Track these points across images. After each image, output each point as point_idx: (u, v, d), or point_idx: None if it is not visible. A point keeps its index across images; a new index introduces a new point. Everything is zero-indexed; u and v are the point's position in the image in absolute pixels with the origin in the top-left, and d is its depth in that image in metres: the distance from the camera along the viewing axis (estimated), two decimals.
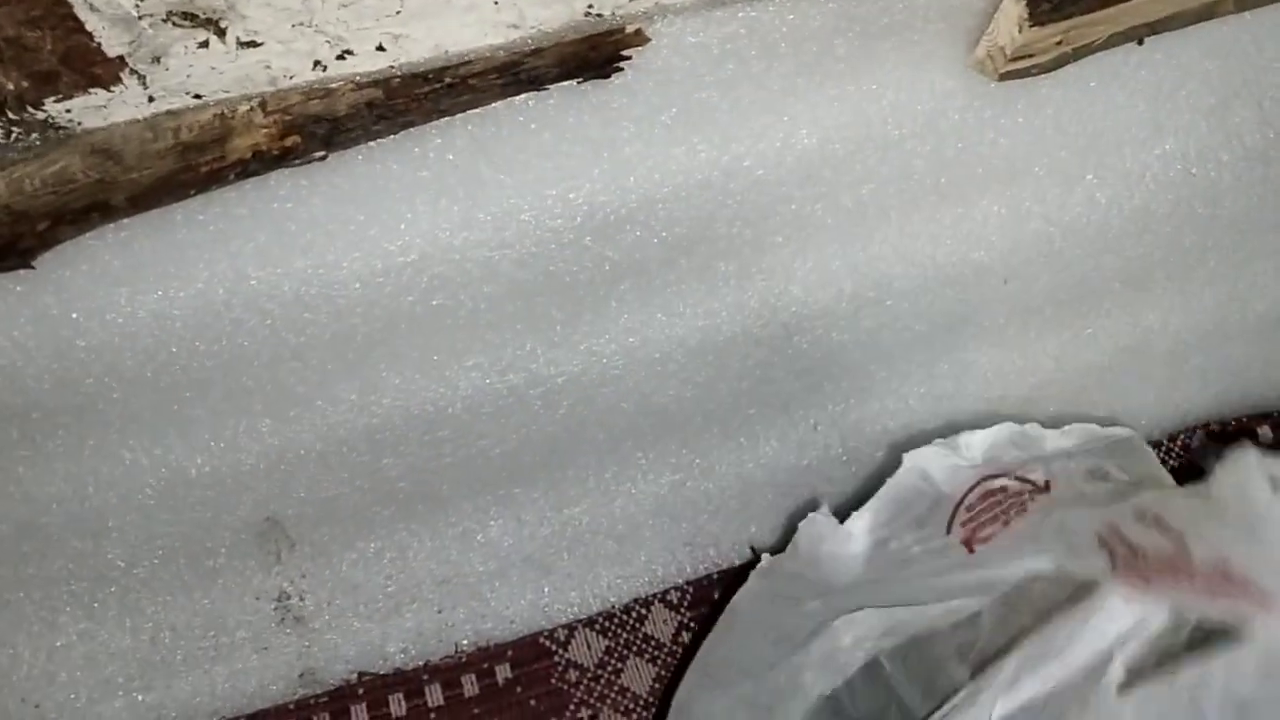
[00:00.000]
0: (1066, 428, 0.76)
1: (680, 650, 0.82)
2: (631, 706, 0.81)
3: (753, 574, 0.75)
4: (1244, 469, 0.59)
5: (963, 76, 0.73)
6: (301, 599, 0.79)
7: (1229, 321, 0.91)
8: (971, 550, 0.66)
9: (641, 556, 0.85)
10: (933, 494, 0.73)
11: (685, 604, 0.84)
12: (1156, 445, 0.91)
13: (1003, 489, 0.70)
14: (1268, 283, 0.91)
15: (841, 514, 0.80)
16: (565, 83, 0.64)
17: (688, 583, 0.85)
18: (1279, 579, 0.54)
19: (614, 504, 0.83)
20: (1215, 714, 0.53)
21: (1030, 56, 0.70)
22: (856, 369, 0.85)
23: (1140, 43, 0.74)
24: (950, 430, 0.88)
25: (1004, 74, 0.71)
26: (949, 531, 0.69)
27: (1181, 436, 0.93)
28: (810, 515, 0.75)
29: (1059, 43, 0.68)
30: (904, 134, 0.75)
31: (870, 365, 0.85)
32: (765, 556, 0.76)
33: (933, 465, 0.74)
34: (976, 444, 0.75)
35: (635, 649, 0.82)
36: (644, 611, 0.83)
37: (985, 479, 0.72)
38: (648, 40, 0.63)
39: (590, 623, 0.83)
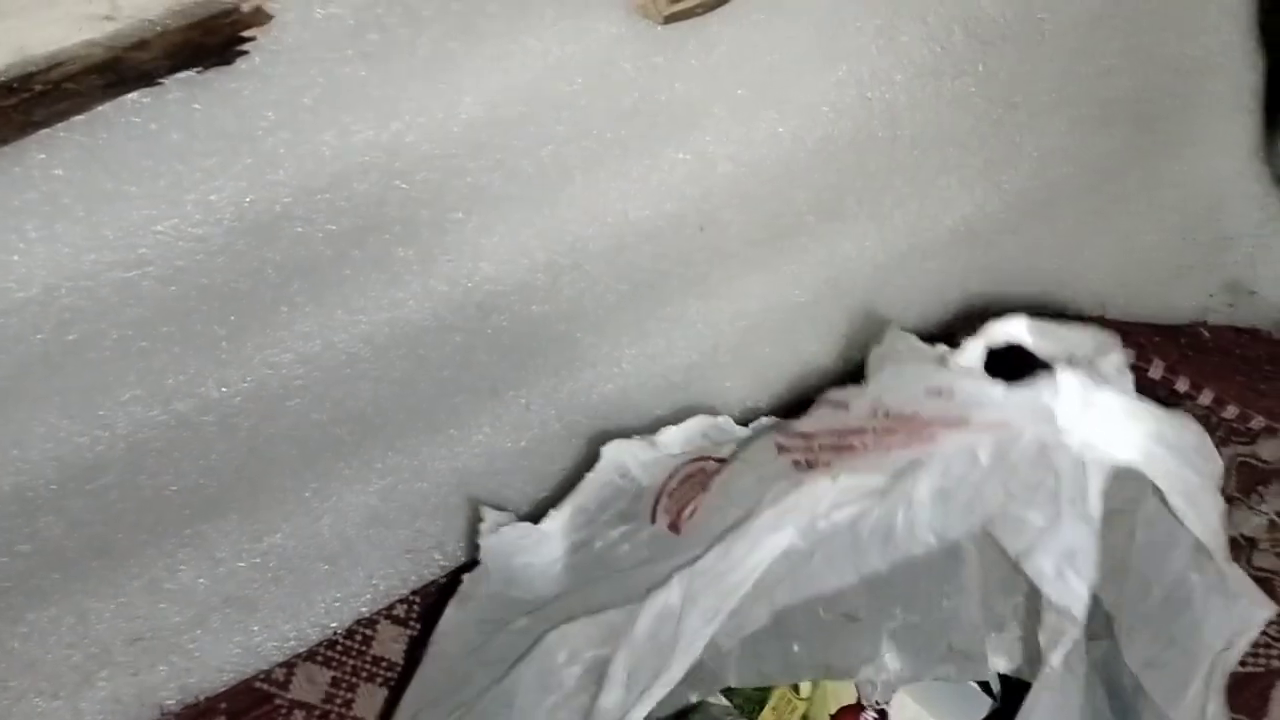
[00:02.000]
0: (755, 422, 0.77)
1: (414, 668, 0.77)
2: None
3: (450, 603, 0.70)
4: (886, 339, 0.63)
5: (628, 23, 0.69)
6: None
7: (923, 240, 0.92)
8: (678, 531, 0.63)
9: (359, 573, 0.79)
10: (632, 489, 0.70)
11: (414, 616, 0.79)
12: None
13: (701, 469, 0.68)
14: (954, 197, 0.92)
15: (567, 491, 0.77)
16: (182, 74, 0.55)
17: (414, 593, 0.80)
18: (932, 403, 0.55)
19: (320, 523, 0.77)
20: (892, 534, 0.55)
21: None
22: (563, 340, 0.81)
23: None
24: (667, 385, 0.86)
25: (669, 16, 0.68)
26: (654, 521, 0.66)
27: None
28: (486, 526, 0.70)
29: None
30: (576, 89, 0.70)
31: (577, 334, 0.81)
32: (463, 578, 0.71)
33: (631, 460, 0.71)
34: (672, 438, 0.74)
35: (365, 674, 0.77)
36: (369, 632, 0.78)
37: (684, 464, 0.69)
38: (270, 17, 0.56)
39: (311, 655, 0.76)
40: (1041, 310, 0.94)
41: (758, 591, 0.55)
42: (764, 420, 0.81)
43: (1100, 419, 0.50)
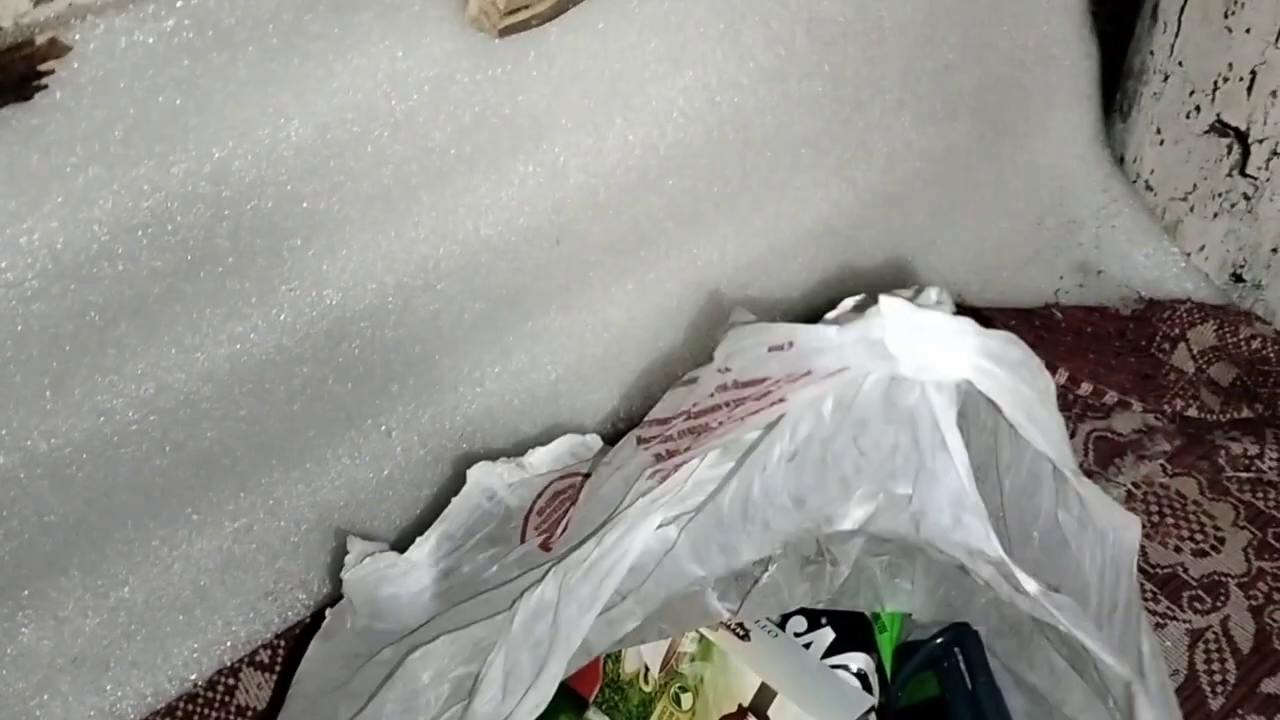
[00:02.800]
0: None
1: None
2: None
3: (313, 640, 0.67)
4: (731, 317, 0.64)
5: (463, 37, 0.67)
6: None
7: (783, 240, 0.92)
8: (548, 549, 0.62)
9: (218, 621, 0.76)
10: (500, 512, 0.68)
11: (279, 661, 0.76)
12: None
13: (570, 485, 0.66)
14: (809, 195, 0.92)
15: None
16: None
17: (278, 636, 0.77)
18: (775, 363, 0.54)
19: (170, 572, 0.73)
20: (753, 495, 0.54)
21: (525, 7, 0.65)
22: (421, 362, 0.79)
23: None
24: (533, 402, 0.85)
25: (504, 29, 0.66)
26: (523, 541, 0.64)
27: None
28: (351, 557, 0.68)
29: None
30: (412, 106, 0.68)
31: (435, 355, 0.79)
32: (327, 613, 0.68)
33: (498, 483, 0.69)
34: (540, 458, 0.71)
35: None
36: (232, 682, 0.74)
37: (553, 482, 0.67)
38: (68, 49, 0.52)
39: (170, 711, 0.73)
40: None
41: (628, 584, 0.54)
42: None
43: (927, 340, 0.49)
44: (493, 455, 0.81)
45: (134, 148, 0.58)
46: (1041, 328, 0.99)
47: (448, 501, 0.76)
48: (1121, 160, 1.06)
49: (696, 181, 0.84)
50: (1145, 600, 0.82)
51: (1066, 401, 0.93)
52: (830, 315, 0.55)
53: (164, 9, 0.55)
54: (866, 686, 0.61)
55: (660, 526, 0.56)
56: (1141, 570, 0.81)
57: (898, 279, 0.98)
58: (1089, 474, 0.86)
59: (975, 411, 0.55)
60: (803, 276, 0.94)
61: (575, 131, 0.77)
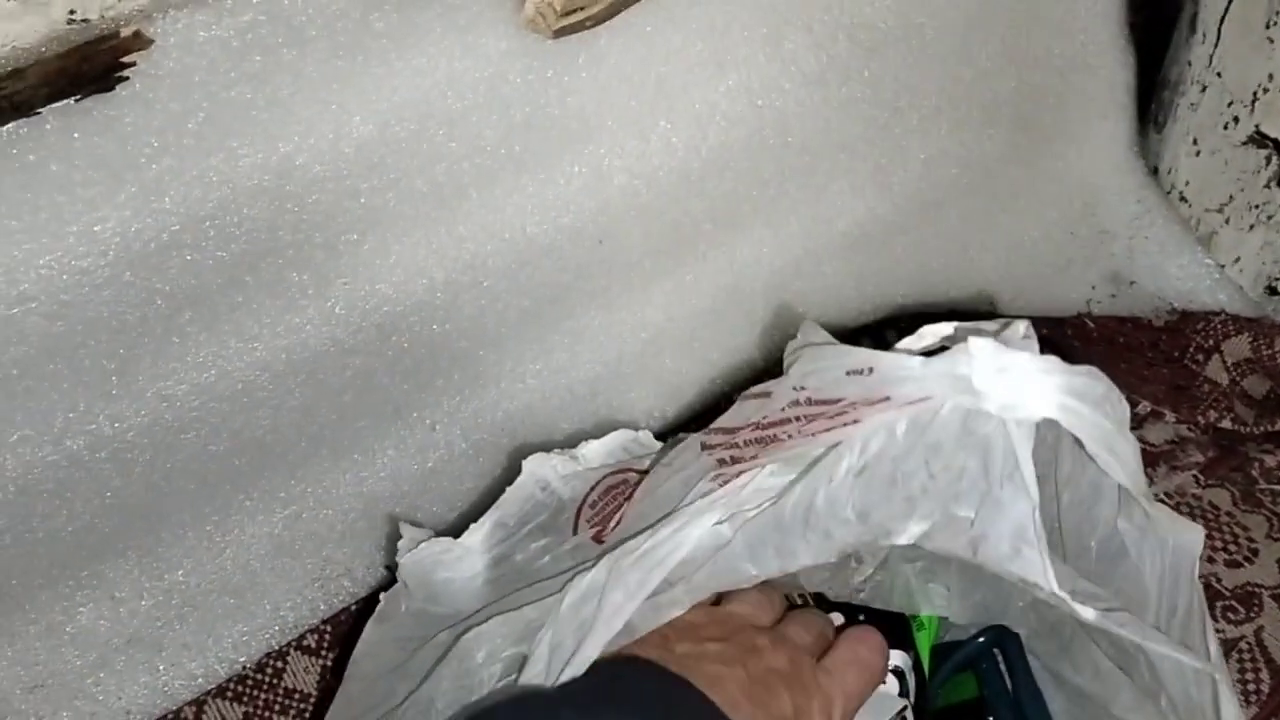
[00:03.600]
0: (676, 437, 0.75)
1: (329, 698, 0.75)
2: None
3: (369, 622, 0.69)
4: (801, 332, 0.64)
5: (518, 38, 0.69)
6: None
7: (818, 244, 0.93)
8: (601, 541, 0.63)
9: (266, 605, 0.77)
10: (553, 503, 0.69)
11: (325, 646, 0.77)
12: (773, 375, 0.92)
13: (623, 481, 0.67)
14: (846, 201, 0.93)
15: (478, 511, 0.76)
16: (60, 103, 0.54)
17: (324, 622, 0.78)
18: (849, 385, 0.55)
19: (223, 556, 0.75)
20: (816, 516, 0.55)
21: (581, 9, 0.66)
22: (466, 358, 0.80)
23: None
24: (572, 399, 0.86)
25: (558, 30, 0.67)
26: (575, 533, 0.66)
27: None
28: (405, 543, 0.70)
29: None
30: (467, 105, 0.70)
31: (479, 351, 0.81)
32: (381, 597, 0.70)
33: (552, 474, 0.70)
34: (594, 452, 0.73)
35: (277, 707, 0.75)
36: (280, 664, 0.76)
37: (606, 476, 0.69)
38: (150, 42, 0.54)
39: (221, 691, 0.74)
40: (932, 308, 0.96)
41: (679, 573, 0.55)
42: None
43: (1014, 379, 0.50)
44: (532, 450, 0.83)
45: (205, 140, 0.60)
46: (1074, 337, 1.00)
47: (490, 494, 0.78)
48: (1156, 171, 1.07)
49: (736, 184, 0.86)
50: None
51: None
52: (909, 343, 0.56)
53: (241, 4, 0.57)
54: (904, 684, 0.62)
55: (717, 525, 0.57)
56: None
57: (931, 284, 1.00)
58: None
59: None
60: (837, 280, 0.95)
61: (621, 133, 0.78)
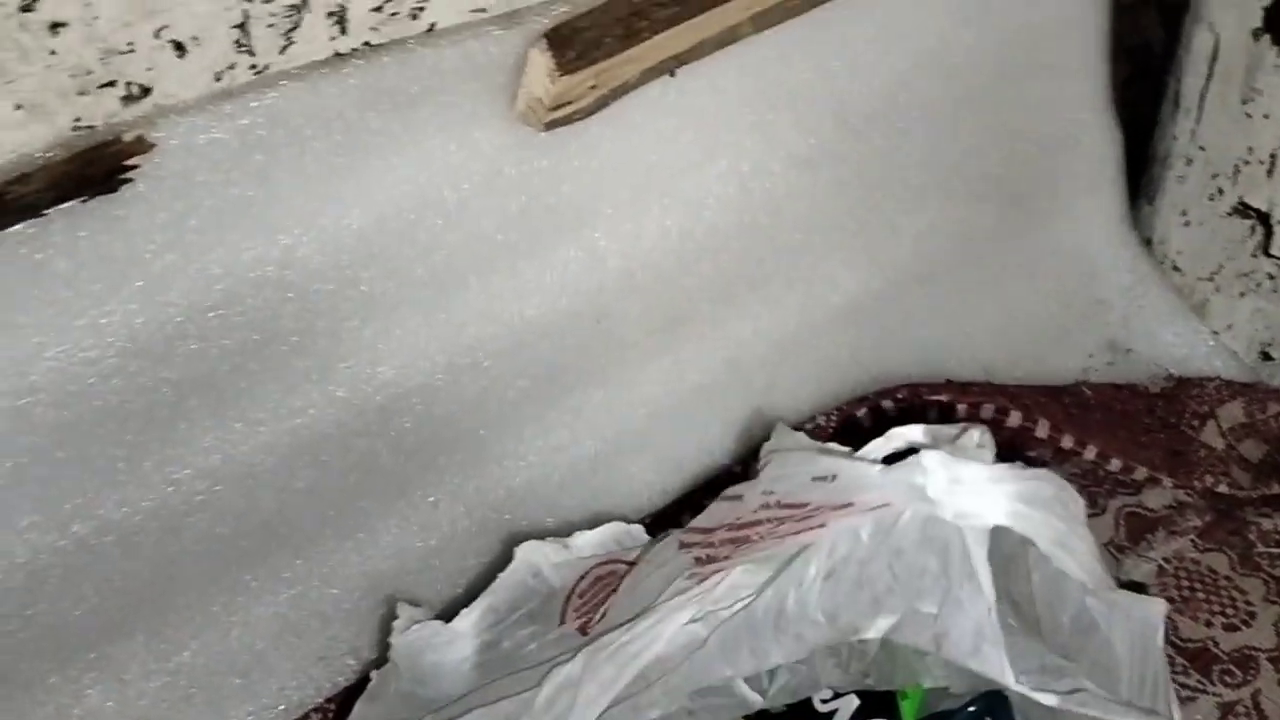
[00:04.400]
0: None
1: None
2: None
3: (359, 701, 0.70)
4: (775, 435, 0.67)
5: (510, 131, 0.72)
6: None
7: (813, 319, 0.95)
8: (586, 633, 0.65)
9: (272, 685, 0.78)
10: (544, 590, 0.71)
11: None
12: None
13: (611, 572, 0.69)
14: (839, 276, 0.95)
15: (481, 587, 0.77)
16: (66, 204, 0.56)
17: (329, 700, 0.79)
18: (816, 490, 0.58)
19: (229, 637, 0.76)
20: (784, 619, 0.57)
21: (570, 104, 0.69)
22: (467, 437, 0.82)
23: (673, 75, 0.75)
24: (573, 475, 0.88)
25: (549, 123, 0.70)
26: (563, 622, 0.67)
27: None
28: (399, 623, 0.71)
29: (593, 87, 0.68)
30: (463, 196, 0.73)
31: (481, 430, 0.82)
32: (373, 674, 0.71)
33: (544, 561, 0.72)
34: (586, 541, 0.75)
35: None
36: None
37: (596, 566, 0.71)
38: (152, 146, 0.57)
39: None
40: (929, 377, 0.98)
41: (655, 673, 0.56)
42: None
43: (967, 489, 0.53)
44: (534, 527, 0.85)
45: (208, 235, 0.63)
46: (1071, 404, 1.01)
47: (490, 573, 0.79)
48: (1150, 242, 1.09)
49: (730, 263, 0.88)
50: (1176, 673, 0.83)
51: (1097, 477, 0.95)
52: (873, 448, 0.59)
53: (240, 109, 0.60)
54: None
55: (691, 623, 0.59)
56: (1173, 644, 0.83)
57: (927, 356, 1.01)
58: (1120, 549, 0.89)
59: None
60: (834, 354, 0.97)
61: (615, 218, 0.81)
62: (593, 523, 0.85)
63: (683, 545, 0.64)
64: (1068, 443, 0.94)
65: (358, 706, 0.70)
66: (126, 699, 0.73)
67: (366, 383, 0.75)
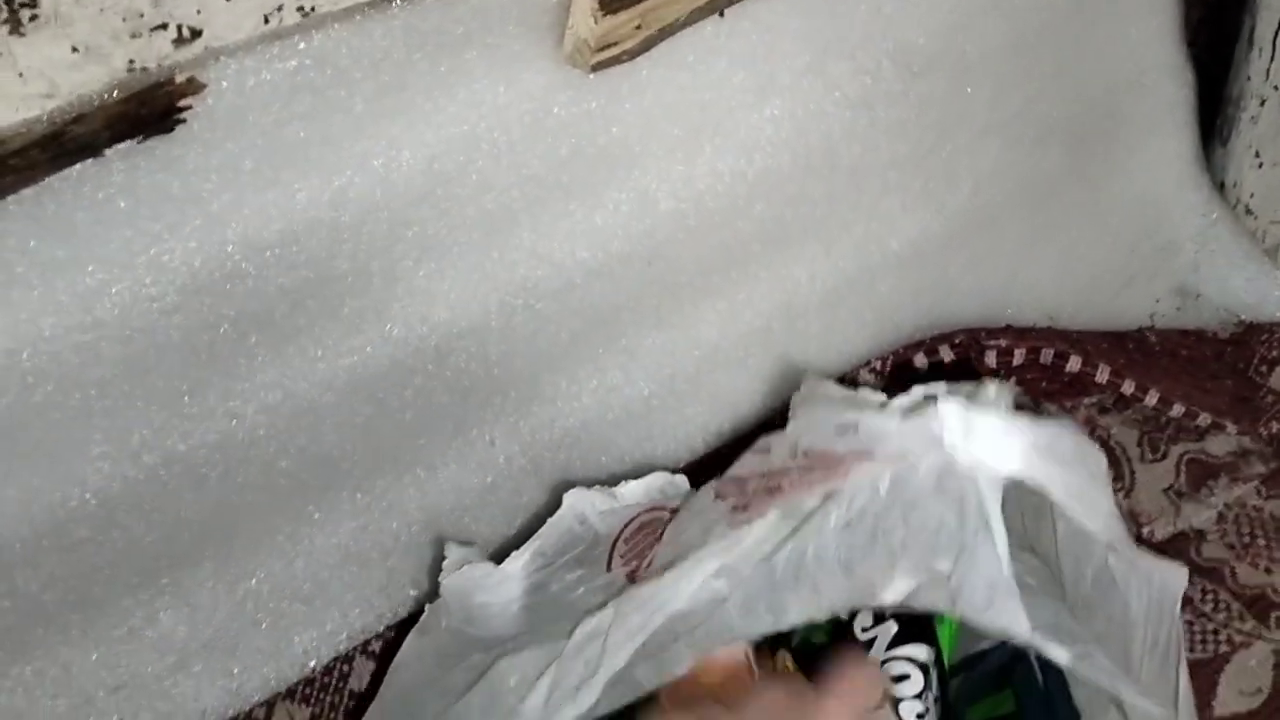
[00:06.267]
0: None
1: None
2: None
3: (411, 633, 0.72)
4: (804, 385, 0.68)
5: (558, 73, 0.72)
6: None
7: (870, 263, 0.95)
8: (634, 580, 0.66)
9: (335, 613, 0.81)
10: (589, 536, 0.73)
11: (390, 652, 0.80)
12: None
13: (655, 519, 0.71)
14: (897, 220, 0.95)
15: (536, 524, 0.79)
16: (124, 144, 0.59)
17: (388, 628, 0.82)
18: (839, 441, 0.58)
19: (294, 566, 0.79)
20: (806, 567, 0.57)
21: (615, 44, 0.69)
22: (522, 377, 0.84)
23: (722, 14, 0.75)
24: (627, 416, 0.89)
25: (596, 64, 0.71)
26: (609, 569, 0.69)
27: (846, 378, 0.96)
28: (449, 563, 0.73)
29: (638, 27, 0.68)
30: (513, 138, 0.74)
31: (535, 370, 0.84)
32: (427, 609, 0.73)
33: (590, 509, 0.74)
34: (631, 490, 0.77)
35: (343, 710, 0.79)
36: (346, 669, 0.80)
37: (640, 515, 0.72)
38: (204, 86, 0.59)
39: (290, 694, 0.79)
40: (989, 324, 0.97)
41: (681, 627, 0.57)
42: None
43: (982, 439, 0.53)
44: (588, 466, 0.86)
45: (262, 176, 0.65)
46: (1134, 350, 1.00)
47: (548, 509, 0.81)
48: (1222, 184, 1.06)
49: (784, 206, 0.88)
50: (1233, 618, 0.83)
51: (1159, 423, 0.94)
52: (898, 401, 0.59)
53: (288, 51, 0.61)
54: (927, 677, 0.64)
55: (718, 578, 0.59)
56: (1230, 589, 0.82)
57: (988, 301, 1.00)
58: (1180, 495, 0.88)
59: None
60: (891, 299, 0.96)
61: (666, 160, 0.81)
62: (646, 463, 0.87)
63: (718, 495, 0.65)
64: (1129, 388, 0.93)
65: (410, 638, 0.72)
66: (196, 623, 0.77)
67: (421, 322, 0.77)
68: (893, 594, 0.56)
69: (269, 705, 0.78)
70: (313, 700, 0.79)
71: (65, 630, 0.73)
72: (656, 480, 0.78)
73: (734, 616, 0.58)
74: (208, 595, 0.77)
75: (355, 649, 0.81)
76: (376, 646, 0.81)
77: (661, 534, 0.70)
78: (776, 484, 0.60)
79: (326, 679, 0.80)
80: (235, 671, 0.79)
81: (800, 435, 0.61)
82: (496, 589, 0.73)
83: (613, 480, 0.81)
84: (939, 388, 0.57)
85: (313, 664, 0.81)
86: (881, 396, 0.59)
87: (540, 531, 0.75)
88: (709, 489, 0.68)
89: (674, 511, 0.73)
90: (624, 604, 0.59)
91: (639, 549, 0.70)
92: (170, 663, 0.76)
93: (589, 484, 0.80)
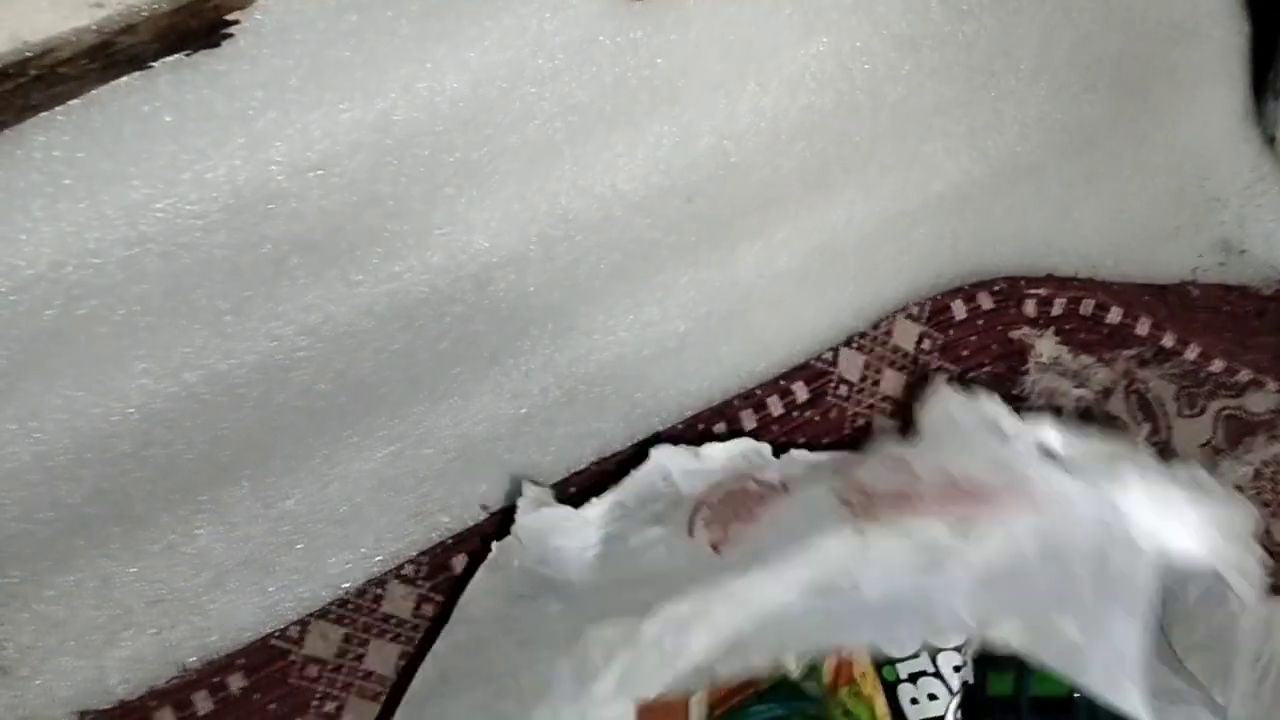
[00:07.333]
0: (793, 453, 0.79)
1: (423, 623, 0.80)
2: (378, 689, 0.79)
3: (480, 568, 0.73)
4: (939, 398, 0.64)
5: (605, 0, 0.72)
6: (1, 648, 0.73)
7: (910, 206, 0.94)
8: (718, 552, 0.66)
9: (369, 536, 0.82)
10: (671, 494, 0.72)
11: (421, 576, 0.82)
12: (861, 335, 0.93)
13: (744, 490, 0.70)
14: (940, 163, 0.94)
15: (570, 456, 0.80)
16: (171, 57, 0.59)
17: (421, 554, 0.83)
18: (994, 473, 0.56)
19: (329, 488, 0.80)
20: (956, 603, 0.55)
21: None
22: (558, 309, 0.84)
23: None
24: (662, 352, 0.89)
25: None
26: (691, 533, 0.68)
27: (883, 323, 0.96)
28: (525, 502, 0.73)
29: None
30: (558, 66, 0.73)
31: (571, 303, 0.84)
32: (494, 546, 0.74)
33: (675, 467, 0.73)
34: (716, 455, 0.76)
35: (375, 631, 0.80)
36: (379, 591, 0.81)
37: (724, 481, 0.71)
38: (252, 1, 0.59)
39: (324, 613, 0.80)
40: (1030, 272, 0.96)
41: (772, 629, 0.56)
42: (803, 455, 0.82)
43: (1172, 522, 0.51)
44: (623, 400, 0.86)
45: (307, 95, 0.65)
46: (1176, 303, 0.99)
47: (580, 440, 0.81)
48: (1272, 140, 1.04)
49: (826, 145, 0.87)
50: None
51: (1197, 379, 0.93)
52: (1062, 447, 0.56)
53: None
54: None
55: (824, 589, 0.57)
56: (1264, 547, 0.82)
57: (1029, 249, 0.99)
58: (1217, 451, 0.87)
59: None
60: (932, 243, 0.96)
61: (709, 94, 0.81)
62: (680, 400, 0.87)
63: (839, 498, 0.63)
64: (1169, 341, 0.92)
65: (479, 574, 0.73)
66: (233, 541, 0.78)
67: (461, 250, 0.77)
68: (1005, 639, 0.53)
69: (303, 624, 0.79)
70: (346, 621, 0.80)
71: (105, 544, 0.74)
72: (739, 446, 0.77)
73: (828, 631, 0.57)
74: (244, 514, 0.78)
75: (389, 573, 0.82)
76: (410, 571, 0.82)
77: (754, 512, 0.68)
78: (908, 500, 0.58)
79: (359, 600, 0.80)
80: (270, 590, 0.80)
81: (947, 457, 0.58)
82: (574, 533, 0.72)
83: (646, 416, 0.81)
84: (1119, 449, 0.55)
85: (346, 585, 0.81)
86: (1044, 428, 0.57)
87: (622, 482, 0.74)
88: (827, 487, 0.65)
89: (764, 483, 0.71)
90: (711, 593, 0.57)
91: (724, 519, 0.69)
92: (207, 579, 0.78)
93: (621, 418, 0.80)
